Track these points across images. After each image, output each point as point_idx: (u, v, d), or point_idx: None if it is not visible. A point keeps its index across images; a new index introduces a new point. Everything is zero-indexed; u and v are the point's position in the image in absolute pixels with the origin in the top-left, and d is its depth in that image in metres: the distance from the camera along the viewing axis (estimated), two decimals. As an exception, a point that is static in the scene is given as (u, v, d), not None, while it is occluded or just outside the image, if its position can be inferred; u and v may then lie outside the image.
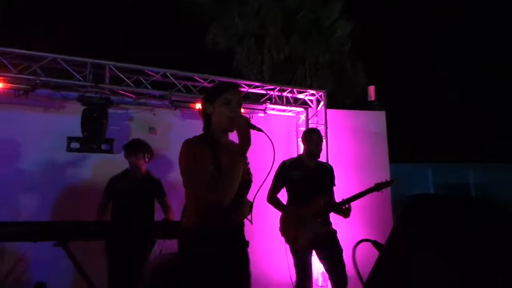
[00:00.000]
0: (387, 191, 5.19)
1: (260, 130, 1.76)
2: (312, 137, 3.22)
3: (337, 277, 2.94)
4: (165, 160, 4.14)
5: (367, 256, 1.30)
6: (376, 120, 5.44)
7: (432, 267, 0.85)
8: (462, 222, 0.89)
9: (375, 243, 1.11)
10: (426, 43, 14.43)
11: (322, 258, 3.07)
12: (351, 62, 10.55)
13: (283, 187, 3.20)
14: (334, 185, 3.30)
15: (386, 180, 3.27)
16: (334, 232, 3.12)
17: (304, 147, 3.27)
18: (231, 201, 1.65)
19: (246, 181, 1.82)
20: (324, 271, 3.15)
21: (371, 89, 5.97)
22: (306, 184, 3.09)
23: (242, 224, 1.88)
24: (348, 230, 5.03)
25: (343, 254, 3.00)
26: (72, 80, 3.96)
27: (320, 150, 3.24)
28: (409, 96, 12.46)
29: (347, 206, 3.05)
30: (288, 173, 3.14)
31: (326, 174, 3.28)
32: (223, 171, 1.67)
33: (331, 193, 3.26)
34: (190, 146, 1.72)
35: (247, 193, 1.86)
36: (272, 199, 3.15)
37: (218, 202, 1.64)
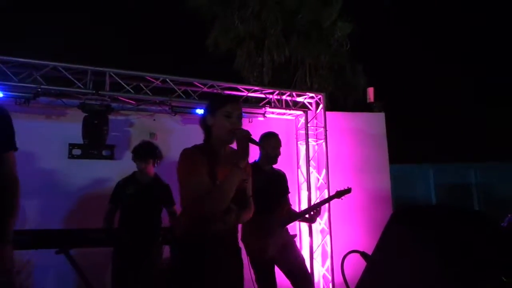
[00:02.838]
0: (388, 192, 5.26)
1: (259, 144, 1.80)
2: (270, 141, 3.10)
3: (304, 283, 2.93)
4: (166, 166, 4.16)
5: (357, 266, 1.33)
6: (376, 121, 5.46)
7: (416, 280, 0.87)
8: (449, 234, 0.91)
9: (363, 254, 1.13)
10: (426, 43, 14.44)
11: (284, 267, 3.00)
12: (351, 63, 10.57)
13: None
14: (289, 192, 3.27)
15: (347, 187, 3.25)
16: (293, 238, 3.14)
17: (261, 152, 3.14)
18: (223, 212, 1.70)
19: (242, 192, 1.85)
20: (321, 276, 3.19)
21: (370, 91, 5.98)
22: (267, 191, 2.90)
23: (234, 231, 1.90)
24: (348, 232, 5.06)
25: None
26: (73, 88, 4.00)
27: (278, 154, 3.13)
28: (409, 97, 12.46)
29: (312, 213, 3.10)
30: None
31: (282, 180, 3.23)
32: (218, 183, 1.69)
33: (287, 201, 3.24)
34: (186, 157, 1.76)
35: (241, 202, 1.87)
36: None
37: (209, 213, 1.69)
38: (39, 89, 3.81)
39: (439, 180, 7.98)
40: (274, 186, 3.08)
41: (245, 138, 1.75)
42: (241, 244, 4.20)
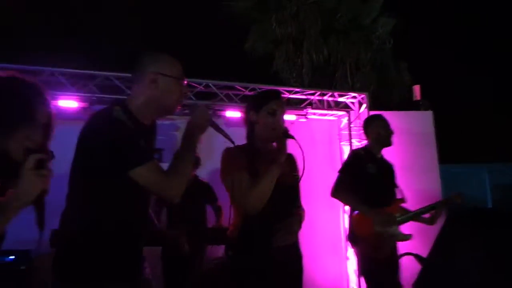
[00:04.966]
0: (438, 193, 5.01)
1: (293, 138, 1.74)
2: (378, 122, 2.79)
3: None
4: (209, 168, 4.28)
5: (410, 268, 1.29)
6: (423, 120, 5.23)
7: (473, 284, 0.84)
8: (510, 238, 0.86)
9: (417, 257, 1.10)
10: (473, 38, 13.60)
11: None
12: (394, 60, 10.21)
13: (351, 181, 2.66)
14: (398, 186, 2.87)
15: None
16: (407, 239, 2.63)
17: (369, 137, 2.81)
18: (274, 213, 1.67)
19: (288, 189, 1.80)
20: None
21: (416, 88, 5.75)
22: (380, 181, 2.63)
23: (290, 237, 1.82)
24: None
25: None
26: (124, 95, 4.24)
27: (392, 132, 2.76)
28: (457, 94, 11.79)
29: (431, 213, 2.70)
30: (362, 165, 2.65)
31: (392, 170, 2.87)
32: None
33: (401, 195, 2.80)
34: (226, 156, 1.79)
35: (293, 203, 1.85)
36: (343, 193, 2.63)
37: (248, 209, 1.68)
38: (94, 98, 4.08)
39: (495, 180, 7.48)
40: (387, 176, 2.76)
41: (284, 134, 1.75)
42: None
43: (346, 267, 4.87)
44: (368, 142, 2.87)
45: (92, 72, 4.16)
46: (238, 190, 1.69)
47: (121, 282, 1.38)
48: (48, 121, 1.13)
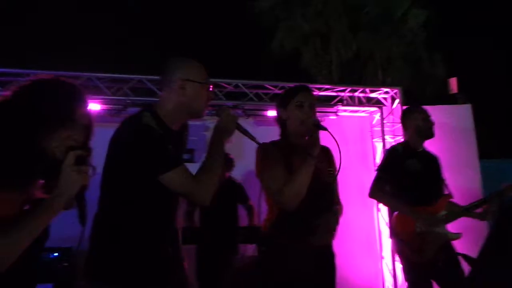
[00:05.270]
0: (478, 190, 4.77)
1: (325, 129, 1.71)
2: (416, 114, 2.59)
3: None
4: (241, 168, 4.30)
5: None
6: (461, 114, 5.00)
7: None
8: None
9: (465, 257, 1.04)
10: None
11: (441, 277, 2.38)
12: (428, 52, 9.84)
13: (390, 180, 2.55)
14: (445, 179, 2.68)
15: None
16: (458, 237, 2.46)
17: (407, 131, 2.65)
18: (311, 209, 1.65)
19: (325, 185, 1.77)
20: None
21: (453, 81, 5.51)
22: (423, 177, 2.47)
23: (329, 236, 1.79)
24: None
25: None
26: (156, 98, 4.34)
27: (432, 123, 2.57)
28: (497, 86, 11.17)
29: (483, 208, 2.49)
30: (401, 162, 2.50)
31: (437, 165, 2.66)
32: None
33: (448, 189, 2.65)
34: (260, 152, 1.78)
35: (331, 199, 1.81)
36: (382, 193, 2.54)
37: (285, 205, 1.66)
38: (128, 101, 4.21)
39: (541, 176, 7.03)
40: (430, 171, 2.56)
41: (315, 126, 1.71)
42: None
43: (381, 266, 4.76)
44: (407, 136, 2.68)
45: (126, 76, 4.29)
46: (274, 185, 1.68)
47: (160, 285, 1.42)
48: (88, 122, 1.17)
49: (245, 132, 1.59)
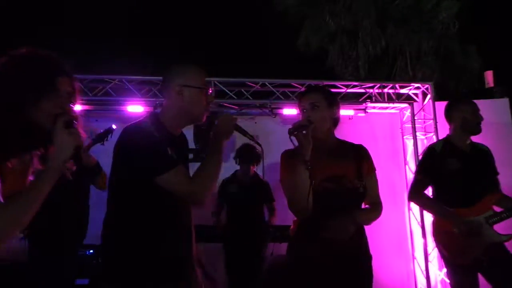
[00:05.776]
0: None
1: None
2: (465, 106, 2.41)
3: None
4: (268, 166, 4.30)
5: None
6: (498, 109, 4.76)
7: None
8: None
9: None
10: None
11: (492, 277, 2.24)
12: (461, 45, 9.44)
13: (429, 182, 2.43)
14: (497, 173, 2.49)
15: None
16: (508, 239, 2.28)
17: (452, 124, 2.45)
18: (323, 212, 1.66)
19: (349, 191, 1.76)
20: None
21: (489, 74, 5.28)
22: (467, 174, 2.31)
23: (355, 237, 1.76)
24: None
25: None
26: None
27: (481, 118, 2.40)
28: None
29: None
30: (441, 161, 2.36)
31: (486, 159, 2.47)
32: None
33: (497, 186, 2.45)
34: (283, 159, 1.85)
35: (354, 204, 1.80)
36: (420, 196, 2.42)
37: (296, 214, 1.73)
38: (158, 102, 4.32)
39: None
40: (476, 169, 2.35)
41: (293, 129, 1.68)
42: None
43: (413, 267, 4.63)
44: (450, 130, 2.48)
45: (155, 78, 4.40)
46: (289, 194, 1.75)
47: (164, 284, 1.45)
48: (70, 89, 1.19)
49: (244, 133, 1.64)
